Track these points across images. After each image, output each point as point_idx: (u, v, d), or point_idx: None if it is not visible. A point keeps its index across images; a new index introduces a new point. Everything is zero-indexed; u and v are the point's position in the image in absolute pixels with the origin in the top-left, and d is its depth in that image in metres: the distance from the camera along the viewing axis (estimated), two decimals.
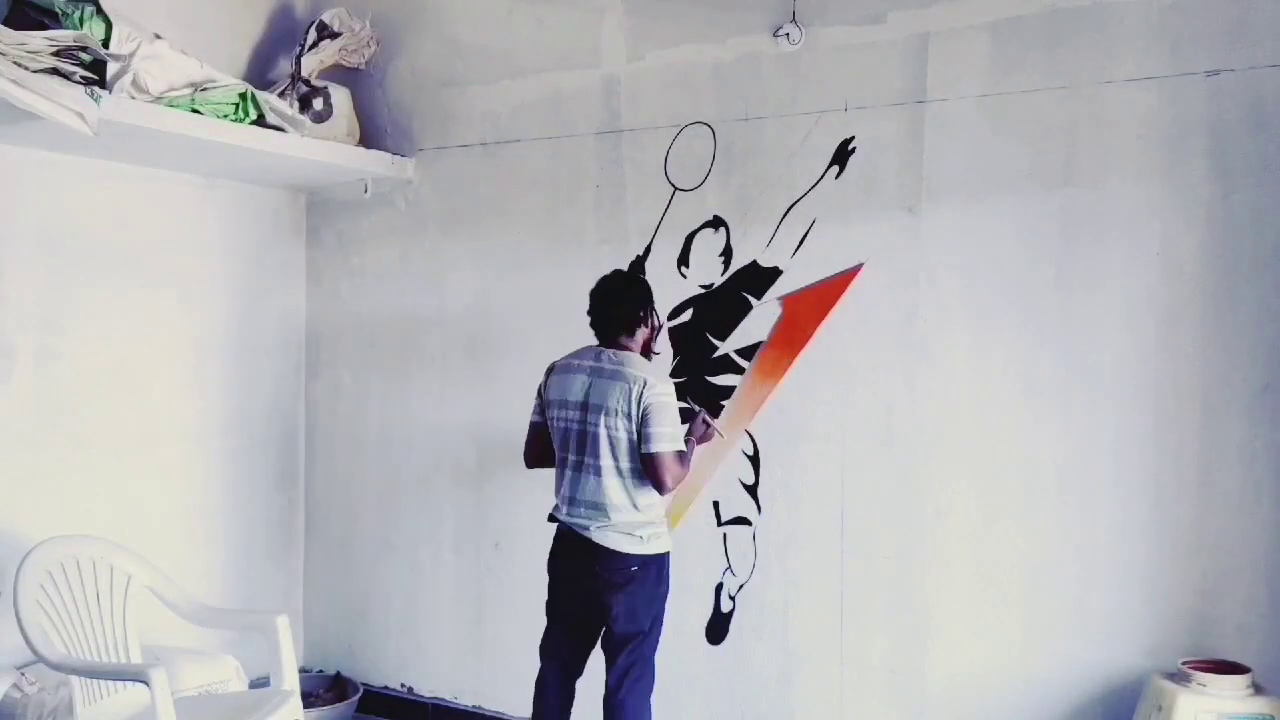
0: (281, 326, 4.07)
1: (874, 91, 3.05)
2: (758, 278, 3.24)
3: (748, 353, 3.25)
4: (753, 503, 3.27)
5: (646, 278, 3.16)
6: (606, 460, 2.79)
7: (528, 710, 3.61)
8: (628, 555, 2.82)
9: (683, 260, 3.36)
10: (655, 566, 2.87)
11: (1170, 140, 2.71)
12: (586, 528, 2.84)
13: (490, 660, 3.76)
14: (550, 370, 2.95)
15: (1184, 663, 2.62)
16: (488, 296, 3.74)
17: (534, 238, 3.64)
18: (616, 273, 3.04)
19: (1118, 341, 2.78)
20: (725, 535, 3.31)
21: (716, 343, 3.29)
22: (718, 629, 3.33)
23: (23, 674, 2.94)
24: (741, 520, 3.29)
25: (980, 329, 2.94)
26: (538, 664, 3.05)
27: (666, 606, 2.94)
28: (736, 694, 3.31)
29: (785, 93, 3.18)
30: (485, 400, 3.74)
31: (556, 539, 2.98)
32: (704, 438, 2.99)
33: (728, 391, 3.28)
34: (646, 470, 2.77)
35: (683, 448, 2.83)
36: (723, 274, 3.30)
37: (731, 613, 3.31)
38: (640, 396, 2.74)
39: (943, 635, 3.01)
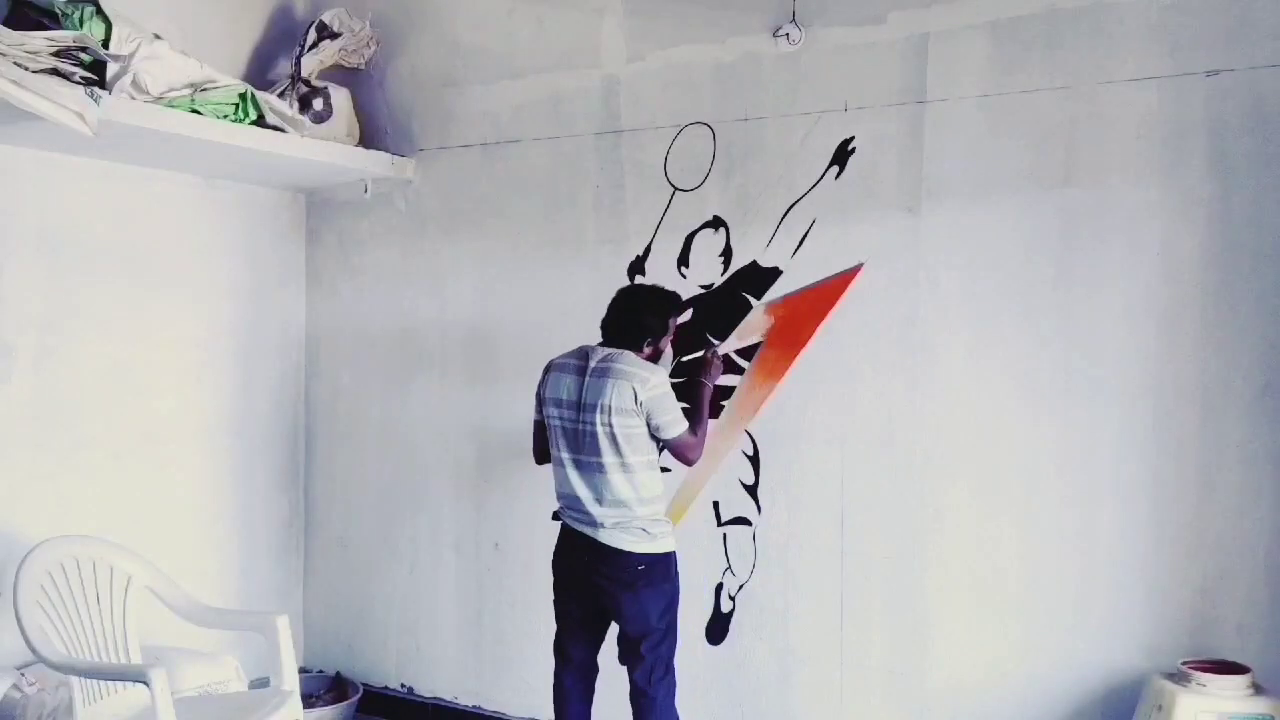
0: (281, 327, 4.07)
1: (874, 91, 3.05)
2: (758, 278, 3.24)
3: (748, 353, 3.25)
4: (753, 503, 3.27)
5: (673, 295, 3.07)
6: (609, 457, 2.78)
7: (527, 710, 3.63)
8: (635, 554, 2.80)
9: (683, 260, 3.36)
10: (662, 565, 2.86)
11: (1170, 140, 2.71)
12: (591, 527, 2.83)
13: (490, 660, 3.76)
14: (547, 369, 2.96)
15: (1184, 663, 2.62)
16: (488, 296, 3.74)
17: (534, 238, 3.64)
18: (644, 289, 3.05)
19: (1118, 341, 2.78)
20: (725, 535, 3.31)
21: (716, 343, 3.29)
22: (718, 629, 3.33)
23: (23, 674, 2.94)
24: (741, 520, 3.29)
25: (980, 329, 2.94)
26: (548, 664, 3.04)
27: (679, 608, 2.92)
28: (736, 694, 3.31)
29: (785, 93, 3.17)
30: (485, 400, 3.74)
31: (560, 538, 2.97)
32: (708, 373, 3.06)
33: (728, 392, 3.27)
34: (672, 454, 2.91)
35: (686, 425, 2.83)
36: (722, 274, 3.29)
37: (731, 613, 3.31)
38: (639, 394, 2.74)
39: (943, 635, 3.01)
